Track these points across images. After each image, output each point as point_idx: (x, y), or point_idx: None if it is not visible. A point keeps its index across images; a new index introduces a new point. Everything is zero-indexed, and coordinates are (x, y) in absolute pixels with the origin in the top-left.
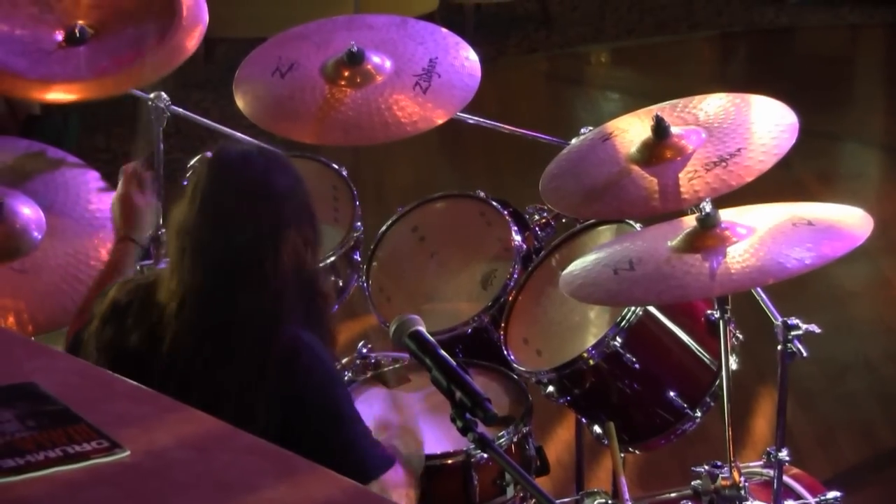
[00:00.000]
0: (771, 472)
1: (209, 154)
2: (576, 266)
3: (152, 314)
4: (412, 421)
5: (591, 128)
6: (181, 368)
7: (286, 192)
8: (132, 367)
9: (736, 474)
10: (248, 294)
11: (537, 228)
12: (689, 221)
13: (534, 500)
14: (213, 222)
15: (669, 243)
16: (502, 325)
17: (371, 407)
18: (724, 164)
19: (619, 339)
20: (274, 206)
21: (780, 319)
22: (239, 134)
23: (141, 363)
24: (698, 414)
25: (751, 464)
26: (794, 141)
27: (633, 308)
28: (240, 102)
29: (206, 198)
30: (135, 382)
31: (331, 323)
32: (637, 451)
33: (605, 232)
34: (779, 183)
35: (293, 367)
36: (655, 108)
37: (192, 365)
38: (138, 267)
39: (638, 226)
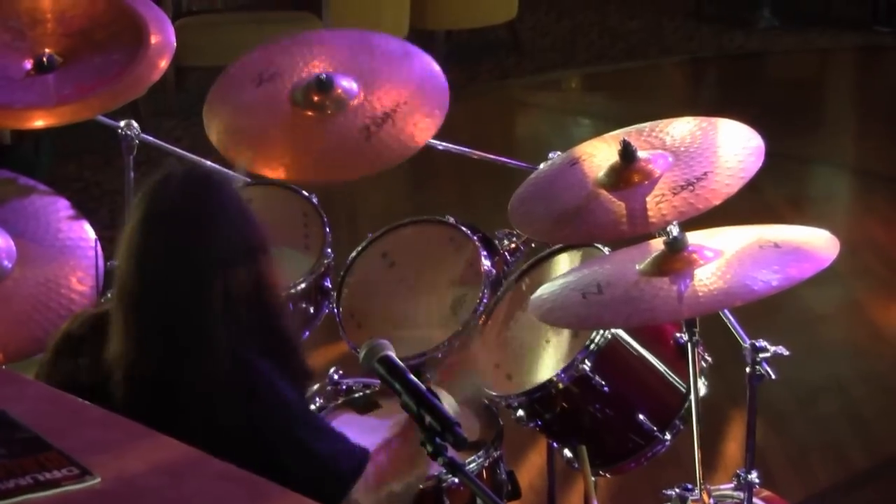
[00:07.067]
0: (741, 495)
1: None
2: (544, 290)
3: (104, 349)
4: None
5: (559, 152)
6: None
7: (222, 223)
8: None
9: (706, 497)
10: (196, 342)
11: (507, 254)
12: (657, 245)
13: None
14: (147, 271)
15: (637, 267)
16: None
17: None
18: (690, 187)
19: (588, 362)
20: (208, 242)
21: (748, 342)
22: (208, 162)
23: (96, 396)
24: (668, 437)
25: (721, 486)
26: (760, 163)
27: (601, 331)
28: (209, 133)
29: (138, 248)
30: (104, 409)
31: (298, 355)
32: (608, 475)
33: (574, 256)
34: (749, 207)
35: (250, 403)
36: (622, 133)
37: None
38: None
39: (606, 250)
